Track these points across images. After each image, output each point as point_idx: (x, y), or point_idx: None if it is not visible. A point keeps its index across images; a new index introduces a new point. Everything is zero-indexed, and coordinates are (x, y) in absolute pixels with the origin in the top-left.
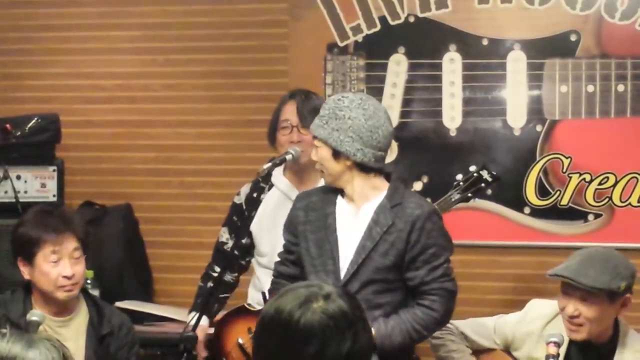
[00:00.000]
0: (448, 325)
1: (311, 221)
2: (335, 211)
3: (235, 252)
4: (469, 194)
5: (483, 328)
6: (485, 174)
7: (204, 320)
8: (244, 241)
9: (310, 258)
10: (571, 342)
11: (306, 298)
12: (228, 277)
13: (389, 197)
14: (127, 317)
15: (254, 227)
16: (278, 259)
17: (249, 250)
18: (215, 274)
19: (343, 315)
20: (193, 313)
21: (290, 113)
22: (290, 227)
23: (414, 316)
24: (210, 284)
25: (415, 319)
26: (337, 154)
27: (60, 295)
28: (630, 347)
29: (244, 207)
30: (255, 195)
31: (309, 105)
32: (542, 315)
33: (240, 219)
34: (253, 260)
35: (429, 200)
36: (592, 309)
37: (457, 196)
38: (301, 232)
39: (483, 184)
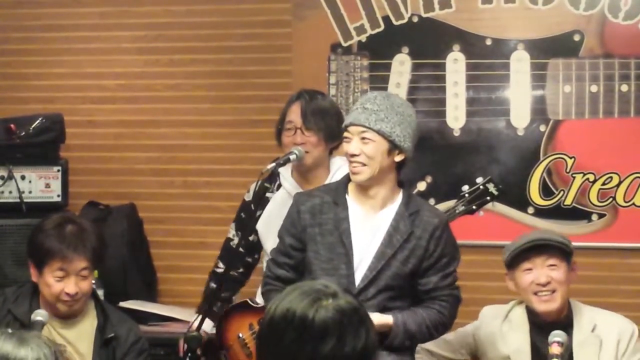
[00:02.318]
0: None
1: (321, 224)
2: (348, 215)
3: (241, 249)
4: (474, 207)
5: (445, 343)
6: (491, 187)
7: (208, 324)
8: (250, 238)
9: (319, 261)
10: (532, 326)
11: (315, 296)
12: (233, 273)
13: (406, 204)
14: (137, 326)
15: (260, 225)
16: (273, 260)
17: (256, 247)
18: (220, 270)
19: (355, 311)
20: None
21: (294, 114)
22: (294, 230)
23: (427, 314)
24: (212, 284)
25: (428, 317)
26: (391, 150)
27: (61, 307)
28: (585, 317)
29: (252, 204)
30: (262, 193)
31: (312, 107)
32: (496, 315)
33: (247, 216)
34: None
35: (432, 201)
36: (560, 272)
37: (461, 208)
38: (309, 235)
39: (488, 197)
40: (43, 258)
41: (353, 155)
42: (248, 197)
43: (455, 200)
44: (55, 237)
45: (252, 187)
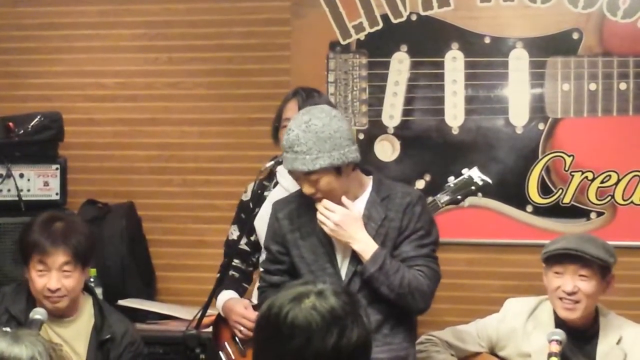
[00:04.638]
0: (429, 337)
1: (300, 228)
2: None
3: (247, 248)
4: (459, 196)
5: (465, 334)
6: (476, 176)
7: (231, 294)
8: (252, 238)
9: (305, 264)
10: (557, 328)
11: (299, 294)
12: (244, 266)
13: (376, 190)
14: (133, 327)
15: (257, 223)
16: (265, 271)
17: (258, 246)
18: (233, 263)
19: (330, 311)
20: (222, 292)
21: (291, 112)
22: (277, 237)
23: (407, 270)
24: (232, 272)
25: (408, 272)
26: (339, 170)
27: (46, 304)
28: (612, 328)
29: (251, 203)
30: (260, 192)
31: (309, 104)
32: (522, 311)
33: (247, 215)
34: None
35: (430, 199)
36: (590, 284)
37: (446, 198)
38: (290, 241)
39: (473, 187)
40: (26, 252)
41: (312, 194)
42: (246, 197)
43: (441, 192)
44: (38, 231)
45: (250, 186)
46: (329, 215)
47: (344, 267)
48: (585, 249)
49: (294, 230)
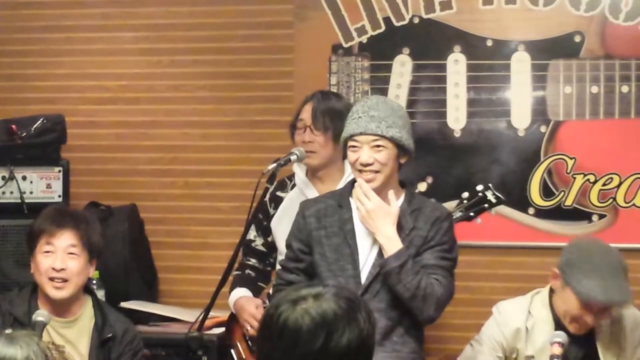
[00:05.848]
0: None
1: (326, 227)
2: (352, 216)
3: (264, 249)
4: (472, 213)
5: (480, 355)
6: (489, 194)
7: (244, 292)
8: (269, 239)
9: (326, 263)
10: (556, 325)
11: (299, 297)
12: (261, 266)
13: (408, 202)
14: (132, 325)
15: (273, 223)
16: (283, 268)
17: (274, 247)
18: (250, 263)
19: (321, 314)
20: (236, 290)
21: (306, 113)
22: (301, 235)
23: (426, 276)
24: (248, 271)
25: (426, 277)
26: (399, 154)
27: (50, 291)
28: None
29: (269, 204)
30: (277, 193)
31: (323, 107)
32: (519, 310)
33: (265, 216)
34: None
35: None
36: (611, 316)
37: (459, 214)
38: (315, 238)
39: (487, 205)
40: (33, 238)
41: (366, 165)
42: (266, 198)
43: (453, 206)
44: (48, 217)
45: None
46: (364, 201)
47: (365, 270)
48: (625, 296)
49: (320, 229)
